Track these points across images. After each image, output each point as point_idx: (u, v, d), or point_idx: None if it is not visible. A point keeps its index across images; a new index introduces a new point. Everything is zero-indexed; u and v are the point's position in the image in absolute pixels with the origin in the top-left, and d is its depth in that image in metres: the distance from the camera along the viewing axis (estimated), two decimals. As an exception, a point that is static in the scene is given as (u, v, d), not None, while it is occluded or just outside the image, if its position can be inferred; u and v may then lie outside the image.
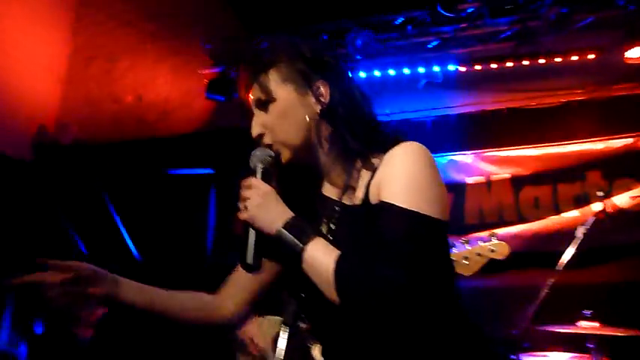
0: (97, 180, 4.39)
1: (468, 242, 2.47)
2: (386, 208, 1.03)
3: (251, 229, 1.08)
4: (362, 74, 4.04)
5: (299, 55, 1.20)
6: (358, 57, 3.95)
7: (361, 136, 1.15)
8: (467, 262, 2.41)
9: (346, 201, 1.15)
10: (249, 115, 1.23)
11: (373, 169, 1.12)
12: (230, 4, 4.53)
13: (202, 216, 4.16)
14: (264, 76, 1.18)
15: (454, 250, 2.42)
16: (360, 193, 1.13)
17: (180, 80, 4.82)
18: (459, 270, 2.38)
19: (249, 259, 1.07)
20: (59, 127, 4.85)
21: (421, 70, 3.99)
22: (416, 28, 3.96)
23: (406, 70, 3.99)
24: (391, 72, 4.00)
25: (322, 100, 1.17)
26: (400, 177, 1.06)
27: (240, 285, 1.31)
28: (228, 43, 4.46)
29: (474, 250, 2.45)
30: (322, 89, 1.18)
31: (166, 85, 4.86)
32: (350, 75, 1.27)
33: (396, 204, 1.02)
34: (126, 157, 4.50)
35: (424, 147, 1.11)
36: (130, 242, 4.22)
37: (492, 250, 2.45)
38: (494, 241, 2.47)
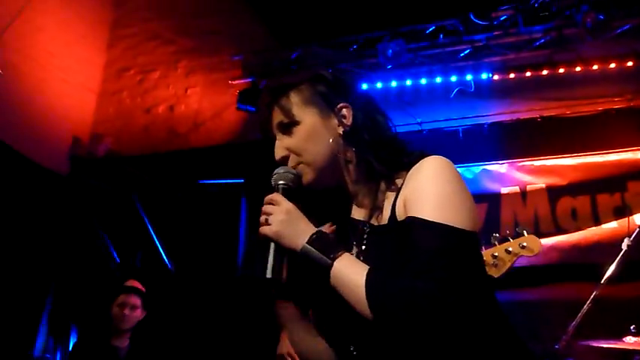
0: (130, 190, 4.46)
1: (496, 240, 2.30)
2: (415, 223, 1.01)
3: (272, 243, 1.07)
4: (393, 83, 4.02)
5: (320, 78, 1.20)
6: (389, 66, 3.94)
7: (385, 157, 1.15)
8: (496, 261, 2.24)
9: (374, 222, 1.14)
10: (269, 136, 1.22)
11: (398, 189, 1.11)
12: (262, 17, 4.58)
13: (233, 225, 4.18)
14: (285, 99, 1.18)
15: (482, 249, 2.26)
16: (386, 213, 1.12)
17: (211, 92, 4.88)
18: (487, 272, 2.26)
19: (269, 273, 1.06)
20: (93, 139, 4.96)
21: (453, 78, 3.95)
22: (447, 36, 3.94)
23: (438, 79, 3.96)
24: (423, 81, 3.97)
25: (345, 122, 1.17)
26: (426, 191, 1.04)
27: None
28: (258, 54, 4.51)
29: (503, 246, 2.28)
30: (345, 112, 1.17)
31: (197, 97, 4.93)
32: (371, 98, 1.25)
33: (425, 218, 1.00)
34: (158, 167, 4.56)
35: (447, 159, 1.10)
36: (163, 251, 4.26)
37: (523, 246, 2.27)
38: (525, 235, 2.29)
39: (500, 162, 3.91)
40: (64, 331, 4.17)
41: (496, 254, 2.25)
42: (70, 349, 3.83)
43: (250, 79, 4.41)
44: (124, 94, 5.18)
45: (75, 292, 4.23)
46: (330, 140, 1.15)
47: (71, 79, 4.89)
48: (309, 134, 1.15)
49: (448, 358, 1.00)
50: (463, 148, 3.87)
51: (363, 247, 1.13)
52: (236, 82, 4.52)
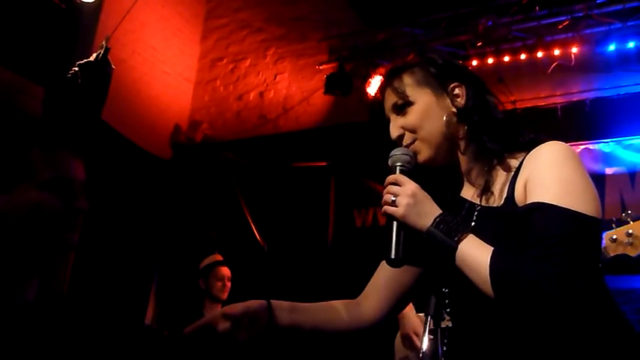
0: (225, 173, 4.71)
1: (629, 217, 2.11)
2: (546, 208, 1.00)
3: (395, 222, 1.08)
4: (490, 60, 3.85)
5: (431, 60, 1.23)
6: (480, 44, 3.79)
7: (498, 136, 1.15)
8: (631, 239, 2.05)
9: (484, 202, 1.14)
10: (376, 115, 1.25)
11: (513, 169, 1.11)
12: (349, 0, 4.58)
13: (323, 207, 4.28)
14: (398, 80, 1.20)
15: (613, 228, 2.09)
16: (498, 194, 1.12)
17: (299, 77, 4.99)
18: (622, 251, 2.05)
19: (393, 253, 1.07)
20: (192, 126, 5.28)
21: (552, 52, 3.71)
22: (544, 8, 3.71)
23: (536, 54, 3.74)
24: (520, 56, 3.77)
25: (458, 100, 1.18)
26: (552, 176, 1.04)
27: (379, 288, 1.31)
28: (345, 38, 4.53)
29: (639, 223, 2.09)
30: (457, 91, 1.19)
31: (286, 83, 5.07)
32: (481, 79, 1.25)
33: (557, 204, 0.99)
34: (250, 151, 4.77)
35: (568, 145, 1.09)
36: (256, 231, 4.47)
37: None
38: None
39: (604, 140, 3.64)
40: (170, 302, 4.55)
41: (631, 232, 2.07)
42: (170, 319, 4.19)
43: (337, 63, 4.44)
44: (218, 83, 5.44)
45: (178, 266, 4.58)
46: (445, 118, 1.17)
47: (171, 70, 5.23)
48: (424, 113, 1.17)
49: (559, 343, 1.00)
50: (562, 126, 3.64)
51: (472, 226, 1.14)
52: (323, 66, 4.58)
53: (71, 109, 3.26)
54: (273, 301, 1.18)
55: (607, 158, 3.60)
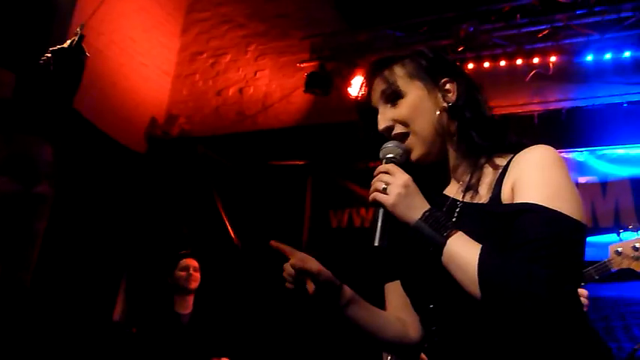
0: (201, 169, 4.64)
1: (636, 229, 2.04)
2: (536, 210, 0.99)
3: (382, 210, 1.06)
4: (470, 65, 3.88)
5: (421, 53, 1.21)
6: (460, 49, 3.82)
7: (488, 134, 1.14)
8: (637, 254, 1.98)
9: (467, 199, 1.12)
10: (361, 111, 1.22)
11: (499, 169, 1.10)
12: (335, 1, 4.56)
13: (300, 206, 4.25)
14: (389, 71, 1.18)
15: (621, 237, 2.02)
16: (484, 192, 1.10)
17: (279, 75, 4.95)
18: (627, 265, 1.98)
19: (377, 240, 1.04)
20: (168, 120, 5.19)
21: (530, 60, 3.76)
22: (525, 16, 3.75)
23: (514, 61, 3.78)
24: (499, 63, 3.81)
25: (450, 96, 1.16)
26: (545, 180, 1.02)
27: (405, 308, 1.24)
28: (327, 37, 4.51)
29: None
30: (449, 86, 1.17)
31: (266, 80, 5.02)
32: (471, 77, 1.24)
33: (548, 207, 0.98)
34: (227, 148, 4.71)
35: (555, 150, 1.09)
36: (231, 229, 4.42)
37: None
38: None
39: (578, 150, 3.70)
40: (140, 299, 4.46)
41: (638, 246, 1.98)
42: (139, 315, 4.09)
43: (318, 62, 4.42)
44: (197, 77, 5.36)
45: (148, 262, 4.49)
46: (437, 112, 1.15)
47: (149, 62, 5.13)
48: (415, 106, 1.15)
49: (538, 349, 0.98)
50: (538, 133, 3.69)
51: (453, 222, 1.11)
52: (304, 64, 4.55)
53: (41, 95, 3.15)
54: (345, 287, 1.20)
55: (580, 167, 3.66)
